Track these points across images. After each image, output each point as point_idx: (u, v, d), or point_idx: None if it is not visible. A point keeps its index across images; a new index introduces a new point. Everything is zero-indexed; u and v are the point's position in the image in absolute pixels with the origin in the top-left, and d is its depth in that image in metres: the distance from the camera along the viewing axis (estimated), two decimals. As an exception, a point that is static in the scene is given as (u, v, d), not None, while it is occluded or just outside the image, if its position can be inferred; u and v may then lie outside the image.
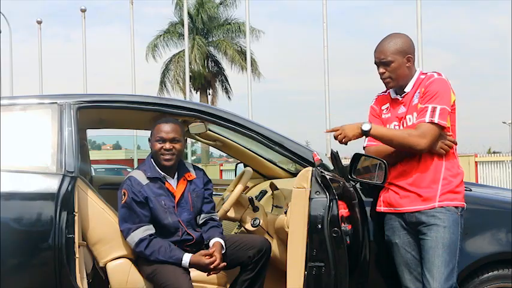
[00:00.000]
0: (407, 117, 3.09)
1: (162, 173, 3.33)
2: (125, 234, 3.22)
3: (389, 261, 3.18)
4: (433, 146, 3.00)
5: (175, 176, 3.37)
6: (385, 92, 3.25)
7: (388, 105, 3.20)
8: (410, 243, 3.10)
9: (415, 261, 3.10)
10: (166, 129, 3.30)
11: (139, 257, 3.26)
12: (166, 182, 3.32)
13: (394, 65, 3.06)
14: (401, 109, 3.13)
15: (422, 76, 3.11)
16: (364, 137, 3.06)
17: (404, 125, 3.10)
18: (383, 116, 3.21)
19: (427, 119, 2.96)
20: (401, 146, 3.01)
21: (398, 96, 3.15)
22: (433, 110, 2.97)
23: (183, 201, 3.34)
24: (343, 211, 3.07)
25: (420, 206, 3.03)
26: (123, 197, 3.23)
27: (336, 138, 3.05)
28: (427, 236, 3.01)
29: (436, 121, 2.96)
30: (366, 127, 3.01)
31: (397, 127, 3.13)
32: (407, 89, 3.11)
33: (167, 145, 3.29)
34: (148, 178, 3.28)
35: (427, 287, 2.99)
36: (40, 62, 25.26)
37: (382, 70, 3.10)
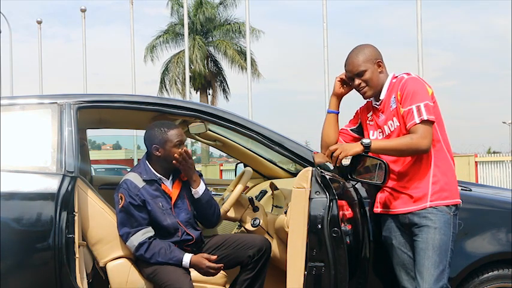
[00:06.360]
0: (389, 122, 3.10)
1: (158, 175, 3.32)
2: (124, 238, 3.21)
3: (389, 261, 3.19)
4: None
5: (171, 178, 3.37)
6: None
7: (371, 113, 3.22)
8: (406, 243, 3.11)
9: (411, 261, 3.10)
10: (180, 132, 3.31)
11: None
12: (162, 184, 3.32)
13: (368, 74, 3.09)
14: (381, 117, 3.15)
15: (394, 80, 3.12)
16: (364, 152, 3.02)
17: (386, 132, 3.11)
18: (368, 122, 3.24)
19: (417, 119, 2.96)
20: (407, 152, 3.01)
21: (376, 105, 3.17)
22: (418, 109, 2.97)
23: (180, 201, 3.33)
24: (347, 212, 3.07)
25: (411, 207, 3.03)
26: (120, 201, 3.22)
27: (332, 157, 3.02)
28: (418, 237, 3.02)
29: (425, 118, 2.96)
30: (366, 141, 3.01)
31: (380, 135, 3.15)
32: (382, 96, 3.13)
33: (184, 148, 3.31)
34: (144, 181, 3.27)
35: None
36: (40, 62, 25.31)
37: (357, 81, 3.12)
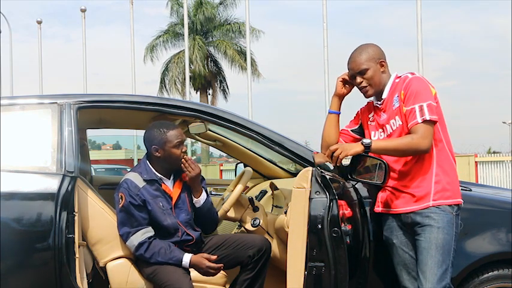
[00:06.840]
0: (391, 121, 3.10)
1: (159, 175, 3.32)
2: (124, 238, 3.21)
3: (389, 261, 3.18)
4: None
5: (172, 178, 3.37)
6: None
7: (373, 113, 3.23)
8: (407, 243, 3.11)
9: (412, 261, 3.10)
10: (179, 132, 3.32)
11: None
12: (163, 184, 3.31)
13: (370, 72, 3.10)
14: (383, 116, 3.15)
15: (398, 80, 3.13)
16: (364, 152, 3.03)
17: (388, 131, 3.11)
18: (369, 123, 3.24)
19: (419, 119, 2.97)
20: (408, 152, 3.01)
21: (378, 104, 3.17)
22: (421, 108, 2.98)
23: (180, 202, 3.33)
24: (346, 211, 3.07)
25: (414, 207, 3.03)
26: (121, 200, 3.22)
27: (332, 157, 3.02)
28: (421, 236, 3.02)
29: (428, 118, 2.96)
30: (366, 141, 3.01)
31: (382, 134, 3.15)
32: (384, 95, 3.14)
33: (184, 148, 3.31)
34: (144, 180, 3.27)
35: None
36: (40, 62, 25.28)
37: (359, 80, 3.13)
